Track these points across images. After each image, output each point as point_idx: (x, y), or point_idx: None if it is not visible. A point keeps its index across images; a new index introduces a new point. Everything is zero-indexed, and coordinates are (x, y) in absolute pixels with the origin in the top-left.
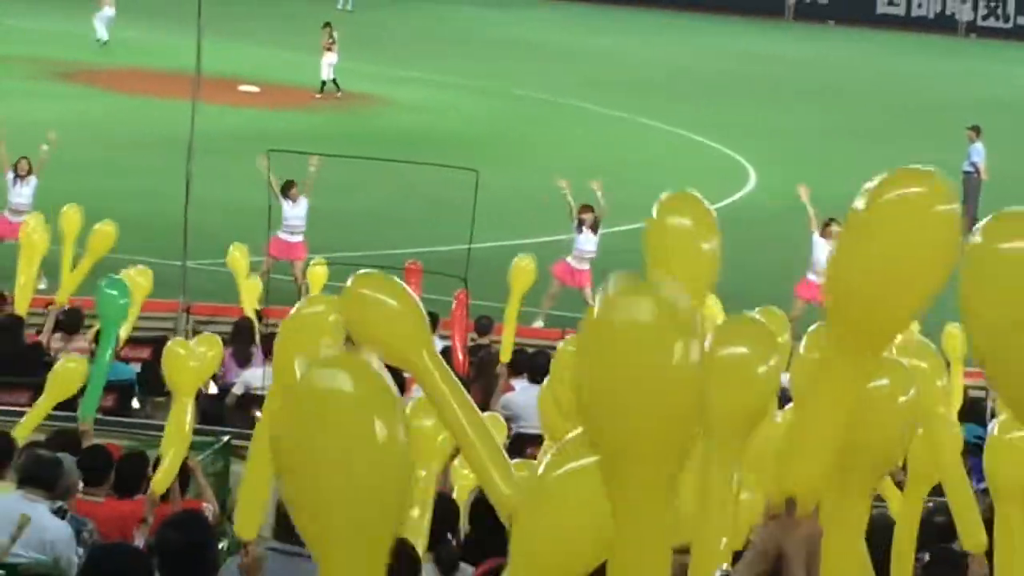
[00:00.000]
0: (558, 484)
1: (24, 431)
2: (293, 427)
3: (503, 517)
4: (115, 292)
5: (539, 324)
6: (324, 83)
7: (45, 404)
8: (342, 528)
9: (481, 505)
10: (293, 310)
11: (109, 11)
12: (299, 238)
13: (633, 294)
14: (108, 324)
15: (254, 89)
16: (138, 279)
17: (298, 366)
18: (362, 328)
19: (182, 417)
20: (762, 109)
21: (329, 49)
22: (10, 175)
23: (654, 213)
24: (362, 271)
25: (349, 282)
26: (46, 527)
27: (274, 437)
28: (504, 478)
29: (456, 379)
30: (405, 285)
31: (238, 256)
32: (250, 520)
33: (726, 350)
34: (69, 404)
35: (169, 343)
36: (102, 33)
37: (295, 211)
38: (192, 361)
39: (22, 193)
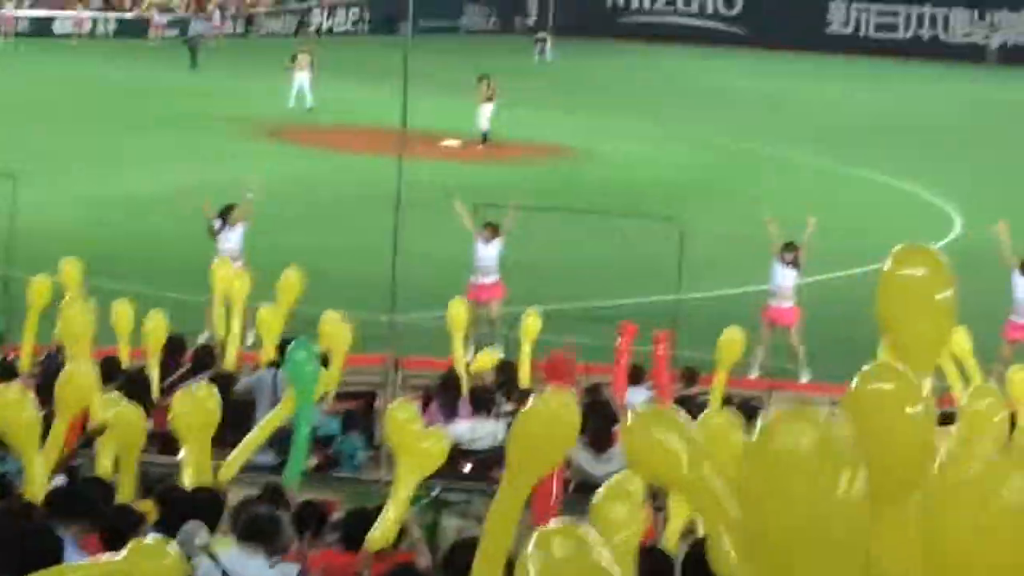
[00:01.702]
0: None
1: (229, 471)
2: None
3: None
4: (303, 357)
5: (755, 375)
6: (485, 134)
7: (254, 439)
8: None
9: (692, 559)
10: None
11: (302, 76)
12: (493, 278)
13: (793, 422)
14: (302, 392)
15: (456, 143)
16: (335, 328)
17: None
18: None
19: (401, 474)
20: (967, 154)
21: (489, 99)
22: (218, 222)
23: (887, 265)
24: (645, 409)
25: (632, 419)
26: None
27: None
28: None
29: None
30: (684, 420)
31: (459, 310)
32: None
33: None
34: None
35: (391, 409)
36: (307, 99)
37: (487, 252)
38: (413, 424)
39: (230, 239)
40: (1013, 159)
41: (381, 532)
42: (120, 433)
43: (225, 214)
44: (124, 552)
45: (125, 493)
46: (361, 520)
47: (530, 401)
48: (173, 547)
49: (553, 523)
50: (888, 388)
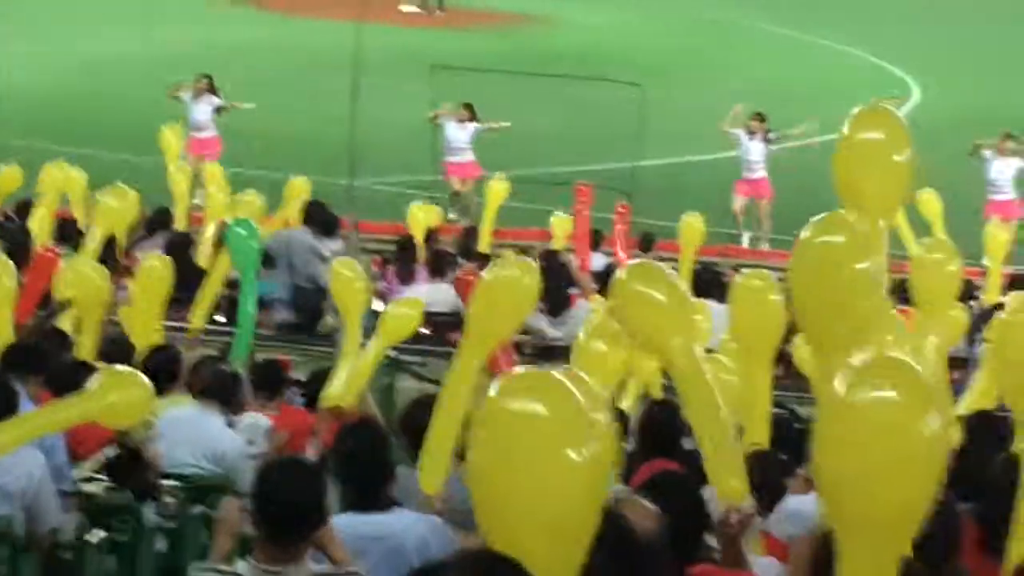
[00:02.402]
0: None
1: (197, 321)
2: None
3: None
4: (244, 232)
5: (745, 243)
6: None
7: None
8: None
9: (651, 420)
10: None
11: None
12: (467, 157)
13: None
14: (243, 267)
15: (414, 9)
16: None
17: None
18: (628, 318)
19: (354, 336)
20: (934, 24)
21: None
22: (187, 94)
23: (845, 129)
24: (634, 262)
25: (622, 274)
26: (219, 439)
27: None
28: (738, 478)
29: (706, 379)
30: (675, 279)
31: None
32: (435, 476)
33: None
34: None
35: (335, 264)
36: None
37: (462, 135)
38: (358, 282)
39: (201, 110)
40: (977, 28)
41: (334, 389)
42: (84, 295)
43: (198, 83)
44: (93, 382)
45: (84, 354)
46: (321, 381)
47: (489, 266)
48: (143, 378)
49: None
50: (837, 240)
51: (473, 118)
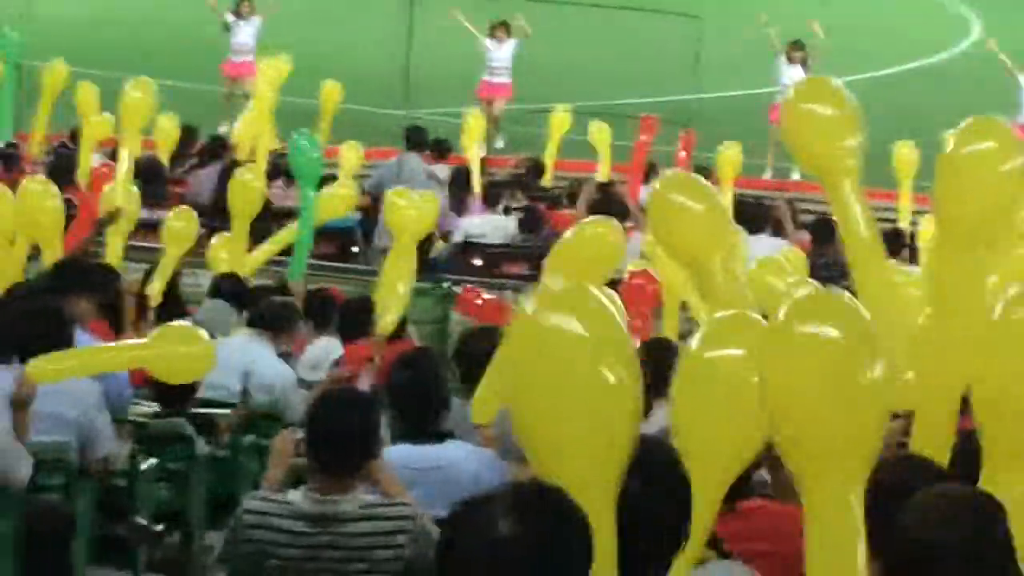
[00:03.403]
0: None
1: (251, 269)
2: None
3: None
4: (307, 145)
5: (767, 175)
6: None
7: (274, 244)
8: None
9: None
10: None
11: None
12: (503, 79)
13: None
14: (305, 182)
15: None
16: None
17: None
18: (664, 229)
19: (405, 263)
20: None
21: None
22: (231, 17)
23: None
24: (671, 172)
25: (658, 184)
26: (272, 369)
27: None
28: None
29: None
30: (711, 188)
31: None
32: (488, 407)
33: None
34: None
35: (389, 194)
36: None
37: (500, 52)
38: (412, 210)
39: (245, 31)
40: None
41: (390, 318)
42: (168, 235)
43: (238, 7)
44: (154, 334)
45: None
46: (361, 308)
47: (569, 229)
48: (203, 333)
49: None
50: (986, 146)
51: (508, 34)
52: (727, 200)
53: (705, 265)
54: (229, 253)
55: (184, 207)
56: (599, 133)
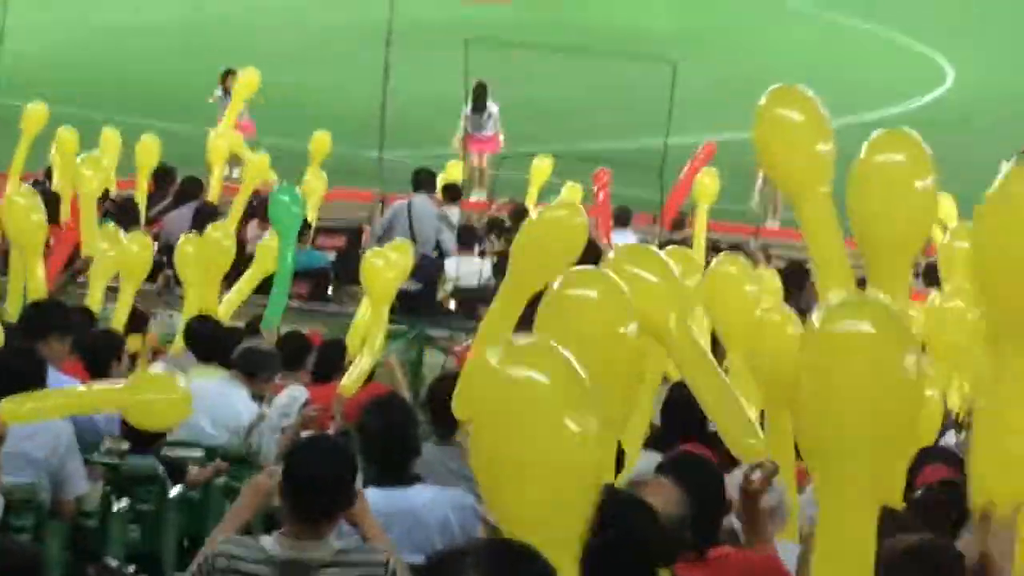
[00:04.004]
0: None
1: (225, 312)
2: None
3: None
4: (287, 199)
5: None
6: None
7: (245, 285)
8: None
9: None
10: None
11: None
12: (490, 132)
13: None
14: (284, 234)
15: None
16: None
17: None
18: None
19: (377, 322)
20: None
21: None
22: (219, 92)
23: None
24: (625, 244)
25: (613, 255)
26: (244, 412)
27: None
28: (754, 438)
29: (703, 350)
30: (667, 261)
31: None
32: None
33: None
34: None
35: (368, 254)
36: None
37: (483, 119)
38: (389, 272)
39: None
40: (1012, 10)
41: (353, 380)
42: (125, 261)
43: (224, 81)
44: (131, 380)
45: (119, 320)
46: (335, 351)
47: (535, 211)
48: (182, 381)
49: None
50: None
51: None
52: (700, 240)
53: (661, 327)
54: (200, 302)
55: (139, 232)
56: (536, 170)
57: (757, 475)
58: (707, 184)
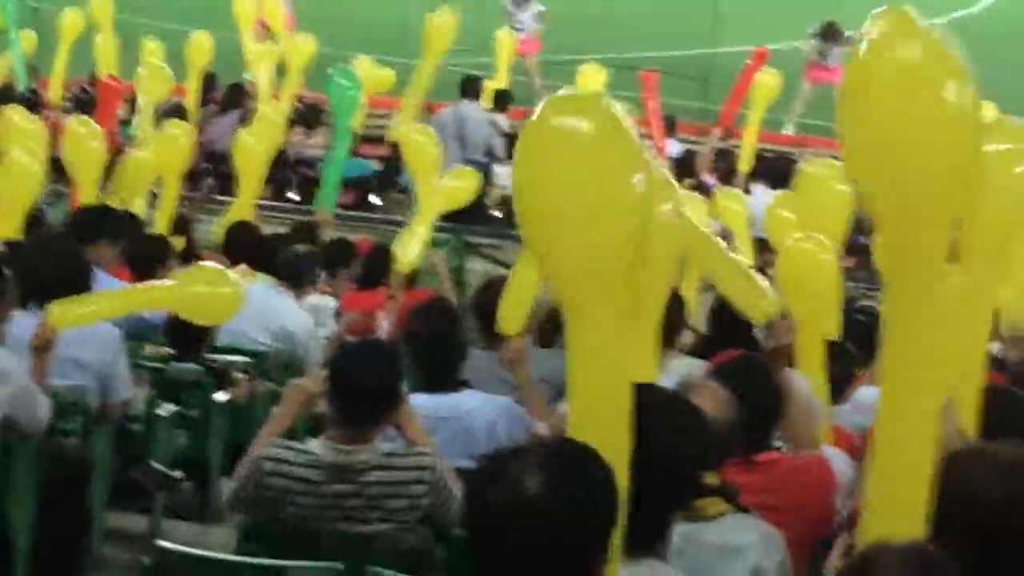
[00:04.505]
0: None
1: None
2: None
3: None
4: (345, 82)
5: (788, 130)
6: None
7: None
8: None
9: (721, 311)
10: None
11: None
12: (527, 35)
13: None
14: (341, 114)
15: None
16: (374, 72)
17: None
18: None
19: (429, 202)
20: None
21: None
22: None
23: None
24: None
25: None
26: (288, 318)
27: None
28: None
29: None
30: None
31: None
32: (515, 315)
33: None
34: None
35: (405, 130)
36: None
37: (523, 15)
38: (430, 147)
39: None
40: None
41: (407, 255)
42: (163, 152)
43: None
44: (179, 274)
45: (162, 224)
46: (383, 257)
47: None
48: (233, 274)
49: None
50: None
51: None
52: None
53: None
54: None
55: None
56: (584, 78)
57: (782, 324)
58: (766, 82)
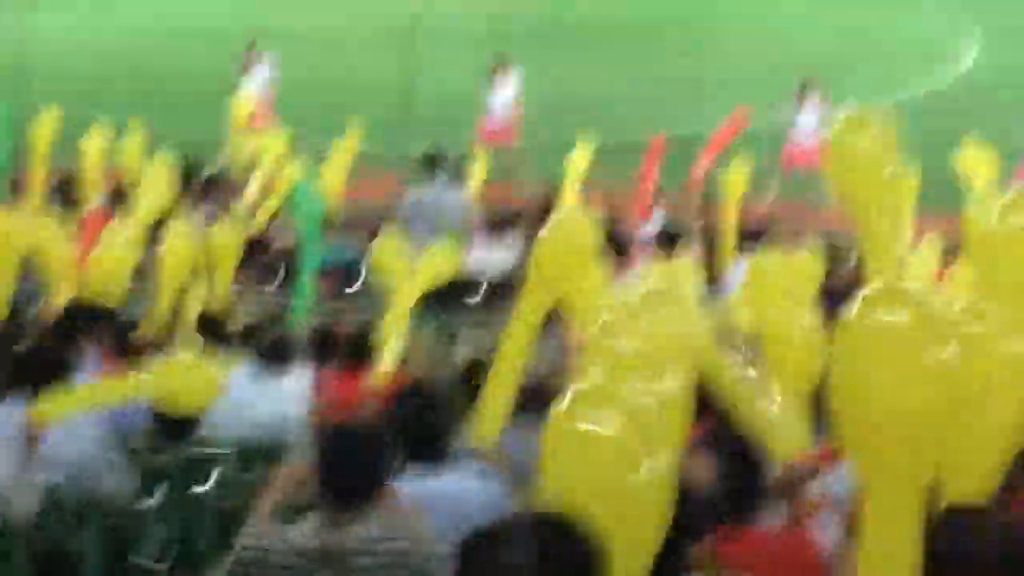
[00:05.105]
0: None
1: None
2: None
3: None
4: (311, 195)
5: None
6: None
7: None
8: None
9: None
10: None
11: None
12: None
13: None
14: (309, 228)
15: None
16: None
17: None
18: None
19: (403, 310)
20: None
21: None
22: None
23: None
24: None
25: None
26: (274, 408)
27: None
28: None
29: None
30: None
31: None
32: (493, 425)
33: None
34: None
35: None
36: None
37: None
38: (403, 256)
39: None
40: None
41: (385, 369)
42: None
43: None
44: (158, 365)
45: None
46: (363, 339)
47: (548, 222)
48: (210, 364)
49: None
50: None
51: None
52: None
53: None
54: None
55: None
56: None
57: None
58: (735, 180)
